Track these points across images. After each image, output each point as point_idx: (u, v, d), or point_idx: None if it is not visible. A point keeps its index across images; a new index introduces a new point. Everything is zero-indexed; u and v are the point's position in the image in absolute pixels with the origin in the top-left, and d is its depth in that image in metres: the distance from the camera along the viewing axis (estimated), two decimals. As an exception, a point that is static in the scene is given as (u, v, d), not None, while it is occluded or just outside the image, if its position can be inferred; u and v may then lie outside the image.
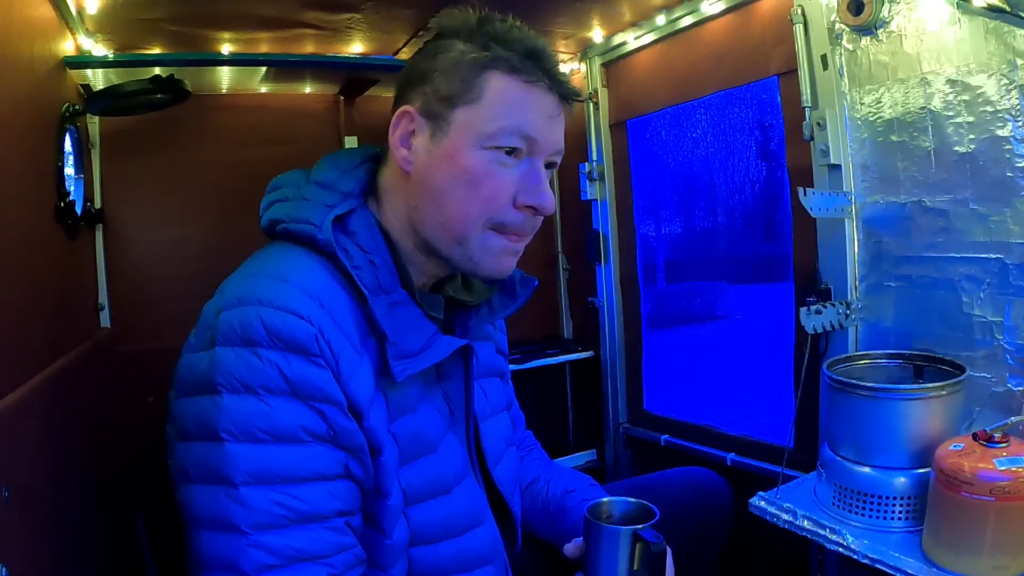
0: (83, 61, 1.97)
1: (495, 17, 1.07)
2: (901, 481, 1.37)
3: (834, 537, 1.38)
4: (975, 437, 1.23)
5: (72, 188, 1.94)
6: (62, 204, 1.77)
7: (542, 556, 1.39)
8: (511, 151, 1.04)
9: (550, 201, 1.08)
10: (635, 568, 1.14)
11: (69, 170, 1.93)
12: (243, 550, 0.89)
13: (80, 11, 1.81)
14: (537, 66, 1.04)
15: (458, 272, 1.17)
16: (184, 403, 0.96)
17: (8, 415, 1.13)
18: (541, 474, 1.47)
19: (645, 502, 1.23)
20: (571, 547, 1.25)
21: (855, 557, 1.33)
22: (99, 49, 2.01)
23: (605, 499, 1.26)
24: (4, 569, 0.98)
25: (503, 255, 1.09)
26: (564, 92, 1.08)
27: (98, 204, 2.29)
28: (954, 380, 1.38)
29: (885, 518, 1.38)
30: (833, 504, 1.46)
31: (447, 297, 1.18)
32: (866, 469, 1.41)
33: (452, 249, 1.07)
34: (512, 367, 2.53)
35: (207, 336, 0.95)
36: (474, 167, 1.03)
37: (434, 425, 1.10)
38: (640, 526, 1.14)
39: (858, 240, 1.75)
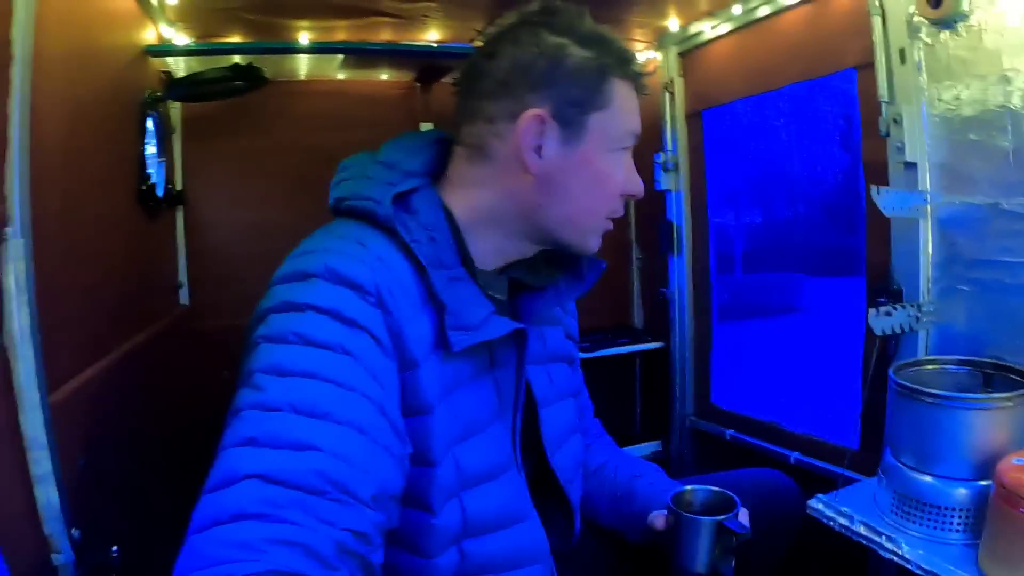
0: (164, 49, 2.04)
1: (580, 12, 1.12)
2: (961, 492, 1.32)
3: (889, 545, 1.35)
4: (1039, 452, 1.19)
5: (153, 171, 2.02)
6: (144, 187, 1.85)
7: (603, 545, 1.41)
8: (623, 151, 1.13)
9: (643, 186, 1.18)
10: (718, 555, 1.20)
11: (151, 149, 2.02)
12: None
13: (161, 1, 1.88)
14: (635, 69, 1.13)
15: (564, 252, 1.22)
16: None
17: (87, 387, 1.19)
18: (608, 460, 1.48)
19: (726, 491, 1.28)
20: (657, 516, 1.28)
21: (908, 567, 1.30)
22: (180, 38, 2.08)
23: (688, 487, 1.32)
24: (78, 532, 1.04)
25: (602, 236, 1.18)
26: (643, 89, 1.16)
27: (179, 186, 2.37)
28: (1022, 391, 1.33)
29: (943, 529, 1.33)
30: (891, 511, 1.42)
31: (513, 280, 1.20)
32: (926, 478, 1.37)
33: (573, 238, 1.16)
34: (582, 355, 2.55)
35: (269, 286, 0.99)
36: (607, 170, 1.12)
37: (485, 409, 1.12)
38: (724, 516, 1.20)
39: (932, 241, 1.69)
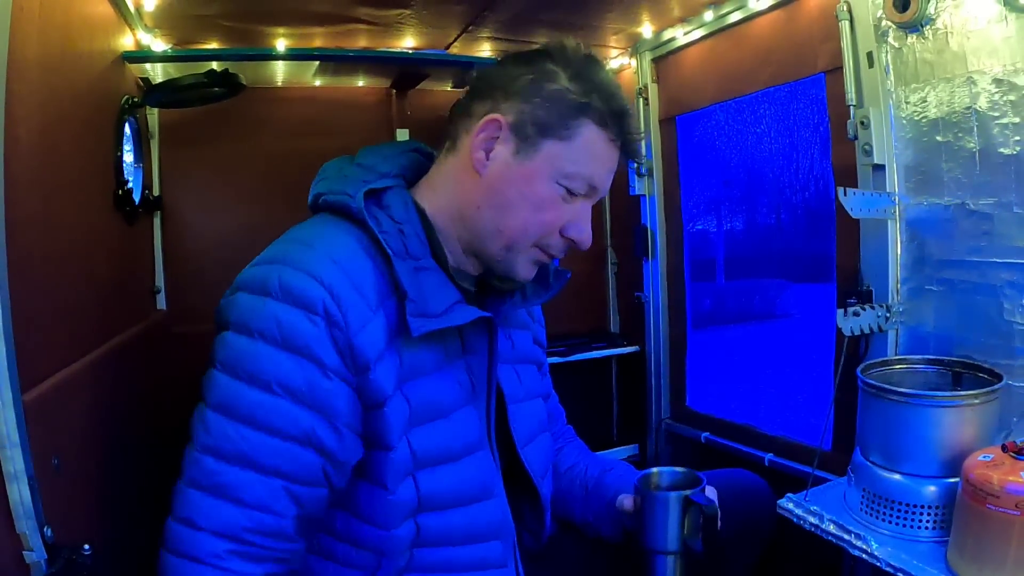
0: (142, 56, 2.04)
1: (597, 61, 1.18)
2: (930, 490, 1.34)
3: (858, 543, 1.36)
4: (1004, 448, 1.20)
5: (131, 177, 2.02)
6: (120, 192, 1.85)
7: (577, 542, 1.44)
8: (575, 194, 1.15)
9: (589, 239, 1.20)
10: (686, 532, 1.23)
11: (128, 155, 2.02)
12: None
13: (138, 8, 1.88)
14: (622, 127, 1.16)
15: (493, 272, 1.25)
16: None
17: (63, 387, 1.20)
18: (579, 460, 1.52)
19: (692, 470, 1.32)
20: (625, 498, 1.33)
21: (878, 564, 1.31)
22: (158, 44, 2.08)
23: (654, 469, 1.36)
24: (50, 531, 1.04)
25: (534, 266, 1.22)
26: (632, 154, 1.21)
27: (156, 192, 2.37)
28: (988, 388, 1.35)
29: (912, 527, 1.35)
30: (861, 510, 1.44)
31: (482, 281, 1.27)
32: (895, 476, 1.39)
33: (497, 251, 1.17)
34: (558, 359, 2.58)
35: (234, 286, 1.08)
36: (545, 195, 1.15)
37: (450, 394, 1.17)
38: (690, 491, 1.23)
39: (901, 242, 1.71)
